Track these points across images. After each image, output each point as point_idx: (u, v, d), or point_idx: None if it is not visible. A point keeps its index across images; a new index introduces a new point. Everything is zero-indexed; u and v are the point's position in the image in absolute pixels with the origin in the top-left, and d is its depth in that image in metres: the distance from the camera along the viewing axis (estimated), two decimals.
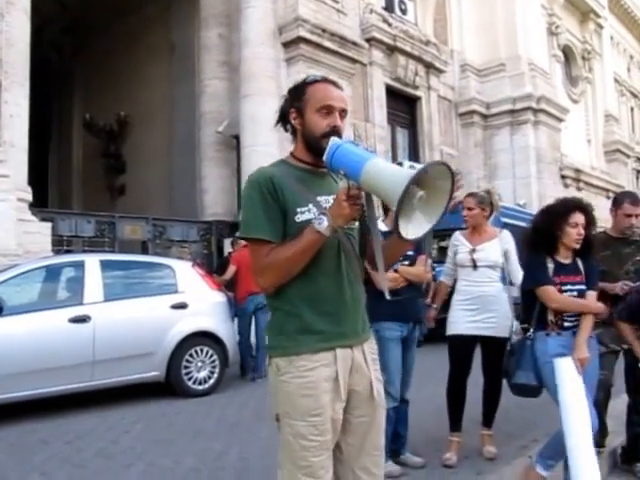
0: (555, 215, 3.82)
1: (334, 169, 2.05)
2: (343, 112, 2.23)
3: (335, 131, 2.16)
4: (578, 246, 3.77)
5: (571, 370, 3.51)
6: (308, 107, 2.20)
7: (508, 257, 4.68)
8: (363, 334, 2.27)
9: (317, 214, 2.09)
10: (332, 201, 2.11)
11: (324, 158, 2.03)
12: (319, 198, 2.18)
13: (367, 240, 2.29)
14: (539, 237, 3.86)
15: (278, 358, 2.18)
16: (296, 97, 2.25)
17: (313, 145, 2.19)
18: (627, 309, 4.09)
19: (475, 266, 4.57)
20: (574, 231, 3.72)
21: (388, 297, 2.34)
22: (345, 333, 2.18)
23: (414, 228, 1.90)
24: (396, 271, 4.34)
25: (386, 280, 2.26)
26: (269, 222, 2.11)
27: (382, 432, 2.31)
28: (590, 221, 3.81)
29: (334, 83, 2.29)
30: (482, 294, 4.54)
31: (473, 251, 4.59)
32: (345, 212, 1.99)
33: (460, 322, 4.56)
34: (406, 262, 4.43)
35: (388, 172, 1.90)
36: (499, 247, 4.66)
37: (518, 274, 4.62)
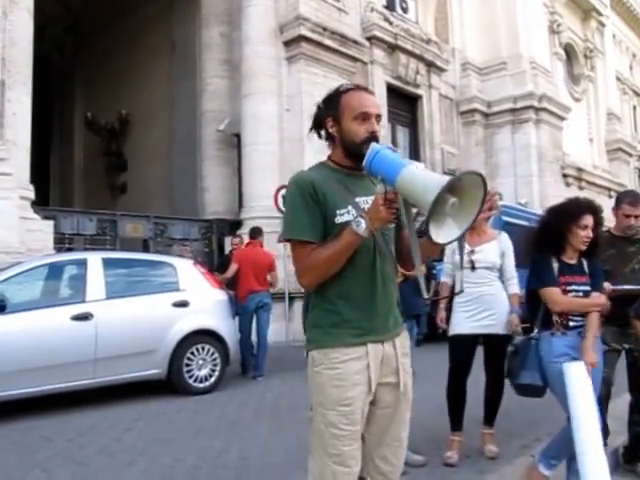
0: (565, 216, 3.79)
1: (372, 174, 2.13)
2: (378, 117, 2.32)
3: (373, 137, 2.24)
4: (585, 248, 3.75)
5: (581, 375, 3.48)
6: (345, 115, 2.30)
7: (504, 260, 4.69)
8: (394, 330, 2.36)
9: (355, 215, 2.18)
10: (369, 202, 2.20)
11: (364, 163, 2.12)
12: (357, 199, 2.27)
13: (402, 241, 2.40)
14: (546, 237, 3.84)
15: (314, 350, 2.30)
16: (332, 106, 2.34)
17: (353, 151, 2.27)
18: None
19: (473, 267, 4.58)
20: (583, 233, 3.70)
21: (425, 295, 2.40)
22: (376, 329, 2.28)
23: (445, 233, 1.99)
24: None
25: (423, 278, 2.32)
26: (311, 224, 2.22)
27: (406, 424, 2.40)
28: (598, 222, 3.79)
29: (367, 89, 2.40)
30: (481, 294, 4.55)
31: (472, 252, 4.58)
32: (382, 215, 2.07)
33: (462, 323, 4.57)
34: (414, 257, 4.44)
35: (422, 178, 1.98)
36: (497, 249, 4.67)
37: (513, 279, 4.67)
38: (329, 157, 2.41)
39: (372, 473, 2.34)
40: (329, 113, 2.34)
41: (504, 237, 4.81)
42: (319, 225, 2.23)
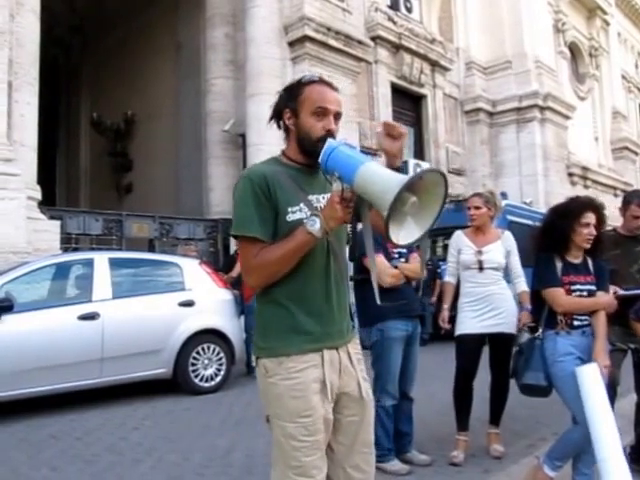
0: (567, 214, 3.77)
1: (328, 171, 2.02)
2: (338, 115, 2.21)
3: (329, 135, 2.14)
4: (589, 246, 3.74)
5: (595, 378, 3.44)
6: (303, 108, 2.18)
7: (510, 258, 4.70)
8: (347, 335, 2.27)
9: (308, 213, 2.09)
10: (323, 201, 2.13)
11: (319, 160, 2.02)
12: (310, 197, 2.17)
13: (356, 241, 2.24)
14: (550, 237, 3.82)
15: (266, 359, 2.16)
16: (291, 97, 2.22)
17: (307, 148, 2.17)
18: None
19: (481, 268, 4.59)
20: (586, 231, 3.68)
21: (378, 301, 2.25)
22: (331, 334, 2.18)
23: (405, 234, 1.90)
24: (396, 267, 4.38)
25: (378, 279, 2.26)
26: (261, 221, 2.10)
27: (372, 430, 2.32)
28: (600, 220, 3.78)
29: (330, 85, 2.26)
30: (488, 293, 4.55)
31: (479, 253, 4.60)
32: (338, 215, 1.98)
33: (469, 322, 4.58)
34: (402, 259, 4.46)
35: (381, 177, 1.89)
36: (503, 248, 4.68)
37: (520, 277, 4.68)
38: (283, 152, 2.30)
39: None
40: (288, 104, 2.22)
41: (508, 236, 4.81)
42: (270, 222, 2.11)
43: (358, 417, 2.24)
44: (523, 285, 4.70)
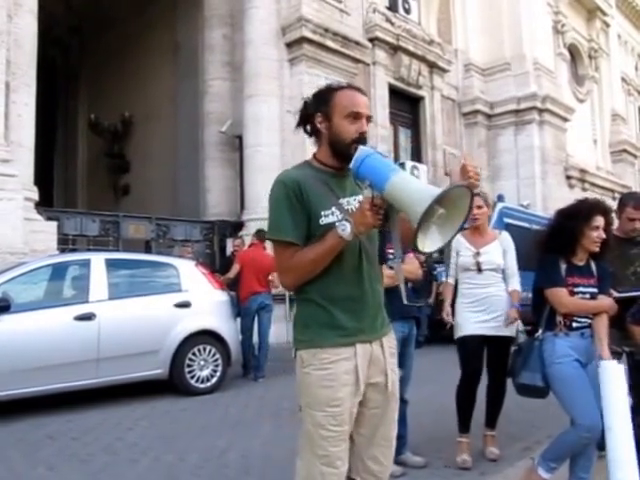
0: (577, 218, 3.73)
1: (360, 178, 2.11)
2: (369, 119, 2.31)
3: (362, 137, 2.24)
4: (597, 249, 3.71)
5: (619, 375, 3.42)
6: (336, 112, 2.27)
7: (506, 258, 4.70)
8: (382, 330, 2.36)
9: (340, 217, 2.19)
10: (353, 203, 2.26)
11: (351, 165, 2.11)
12: (341, 200, 2.27)
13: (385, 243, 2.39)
14: (557, 240, 3.78)
15: (303, 351, 2.28)
16: (323, 102, 2.31)
17: (340, 150, 2.26)
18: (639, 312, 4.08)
19: (480, 269, 4.59)
20: (595, 234, 3.66)
21: (405, 301, 2.48)
22: (364, 329, 2.28)
23: (430, 242, 2.01)
24: (391, 268, 4.37)
25: (404, 285, 2.39)
26: (295, 225, 2.21)
27: (394, 424, 2.40)
28: (608, 223, 3.77)
29: (359, 89, 2.37)
30: (487, 295, 4.56)
31: (477, 254, 4.60)
32: (368, 221, 2.07)
33: (468, 323, 4.58)
34: (397, 260, 4.44)
35: (414, 188, 1.99)
36: (500, 249, 4.68)
37: (514, 276, 4.68)
38: (314, 155, 2.39)
39: (362, 474, 2.33)
40: (320, 109, 2.31)
41: (505, 236, 4.82)
42: (303, 226, 2.22)
43: (381, 410, 2.33)
44: (516, 284, 4.69)
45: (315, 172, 2.31)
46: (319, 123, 2.31)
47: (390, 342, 2.40)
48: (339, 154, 2.27)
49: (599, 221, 3.68)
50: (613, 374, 3.43)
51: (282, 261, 2.26)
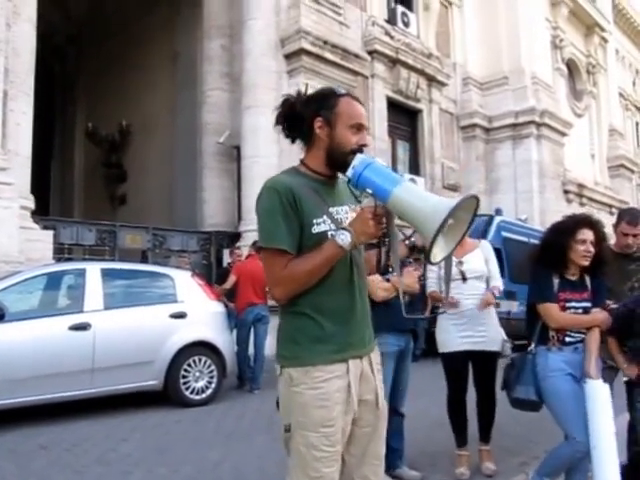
0: (563, 232, 3.76)
1: (360, 186, 2.04)
2: (367, 130, 2.27)
3: (361, 149, 2.17)
4: (587, 263, 3.71)
5: (604, 394, 3.44)
6: (340, 121, 2.19)
7: (488, 265, 4.68)
8: (369, 345, 2.30)
9: (331, 226, 2.14)
10: (342, 212, 2.20)
11: (348, 174, 2.04)
12: (331, 209, 2.20)
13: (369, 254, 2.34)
14: (548, 255, 3.80)
15: (291, 368, 2.17)
16: (325, 106, 2.21)
17: (337, 159, 2.18)
18: (614, 322, 4.07)
19: (464, 278, 4.57)
20: (582, 248, 3.66)
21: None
22: (354, 344, 2.21)
23: (437, 252, 1.98)
24: (388, 281, 4.35)
25: (370, 293, 2.33)
26: (289, 233, 2.12)
27: (383, 442, 2.35)
28: (600, 238, 3.77)
29: (359, 100, 2.30)
30: (472, 307, 4.53)
31: (460, 263, 4.56)
32: (370, 231, 2.03)
33: (451, 338, 4.55)
34: (394, 273, 4.42)
35: (423, 200, 1.95)
36: (482, 257, 4.68)
37: (497, 280, 4.66)
38: (302, 161, 2.30)
39: None
40: (321, 112, 2.20)
41: (485, 244, 4.85)
42: (297, 235, 2.13)
43: (371, 428, 2.26)
44: (498, 282, 4.67)
45: (305, 179, 2.22)
46: (318, 128, 2.21)
47: (376, 358, 2.34)
48: (335, 163, 2.19)
49: (586, 234, 3.69)
50: (598, 393, 3.46)
51: (275, 271, 2.14)
